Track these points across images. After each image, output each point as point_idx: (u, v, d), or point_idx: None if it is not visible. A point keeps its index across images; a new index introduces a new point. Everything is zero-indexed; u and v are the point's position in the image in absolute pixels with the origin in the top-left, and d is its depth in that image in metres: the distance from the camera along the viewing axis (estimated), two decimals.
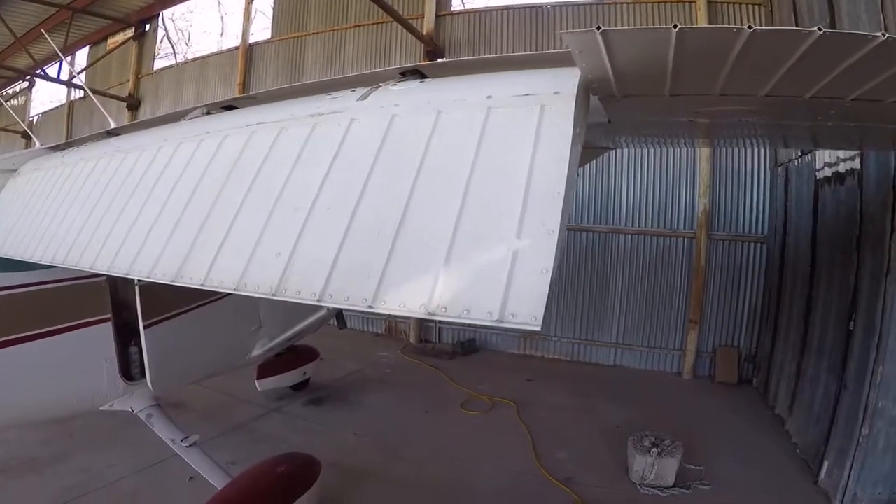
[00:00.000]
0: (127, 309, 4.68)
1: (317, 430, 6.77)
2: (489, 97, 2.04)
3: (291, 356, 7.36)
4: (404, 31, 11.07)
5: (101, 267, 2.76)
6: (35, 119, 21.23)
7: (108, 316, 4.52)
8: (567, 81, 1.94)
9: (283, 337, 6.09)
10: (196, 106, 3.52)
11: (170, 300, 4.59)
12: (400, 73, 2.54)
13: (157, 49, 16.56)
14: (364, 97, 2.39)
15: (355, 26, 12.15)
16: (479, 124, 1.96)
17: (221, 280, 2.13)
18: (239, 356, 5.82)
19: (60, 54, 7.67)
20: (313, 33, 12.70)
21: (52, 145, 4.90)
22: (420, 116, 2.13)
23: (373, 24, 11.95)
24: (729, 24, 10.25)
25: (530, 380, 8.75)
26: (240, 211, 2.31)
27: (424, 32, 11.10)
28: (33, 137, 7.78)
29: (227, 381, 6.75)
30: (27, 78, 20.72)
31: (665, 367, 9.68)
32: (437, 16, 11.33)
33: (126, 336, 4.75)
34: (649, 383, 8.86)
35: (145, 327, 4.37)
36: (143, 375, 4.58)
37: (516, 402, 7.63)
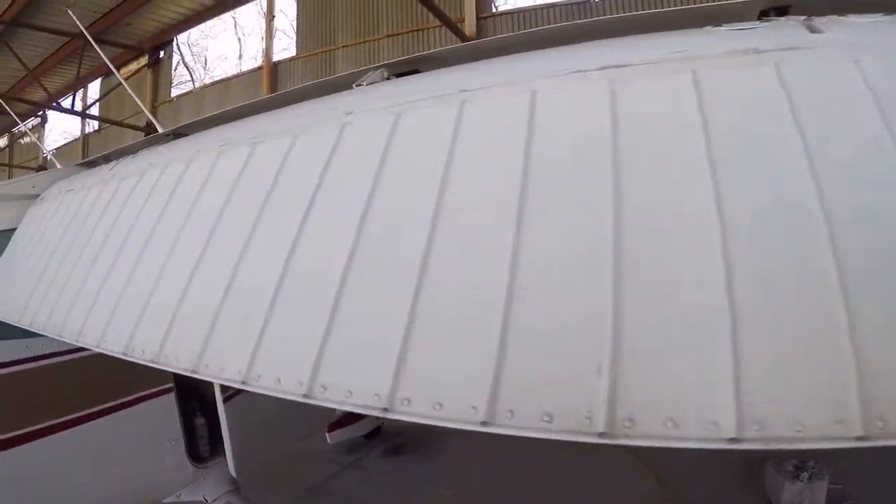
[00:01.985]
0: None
1: (404, 487, 5.83)
2: None
3: None
4: (442, 38, 10.49)
5: (196, 364, 1.65)
6: (48, 156, 20.70)
7: (170, 385, 3.73)
8: None
9: None
10: (367, 68, 2.32)
11: None
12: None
13: (172, 76, 15.92)
14: (774, 32, 1.44)
15: (389, 36, 11.38)
16: None
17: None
18: (322, 413, 5.17)
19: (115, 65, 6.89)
20: (343, 46, 11.94)
21: (87, 160, 3.77)
22: None
23: (408, 32, 11.19)
24: None
25: None
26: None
27: (467, 35, 10.34)
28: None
29: None
30: (39, 113, 20.24)
31: None
32: (479, 18, 10.58)
33: (188, 405, 3.95)
34: None
35: (225, 400, 3.51)
36: (215, 454, 3.85)
37: None
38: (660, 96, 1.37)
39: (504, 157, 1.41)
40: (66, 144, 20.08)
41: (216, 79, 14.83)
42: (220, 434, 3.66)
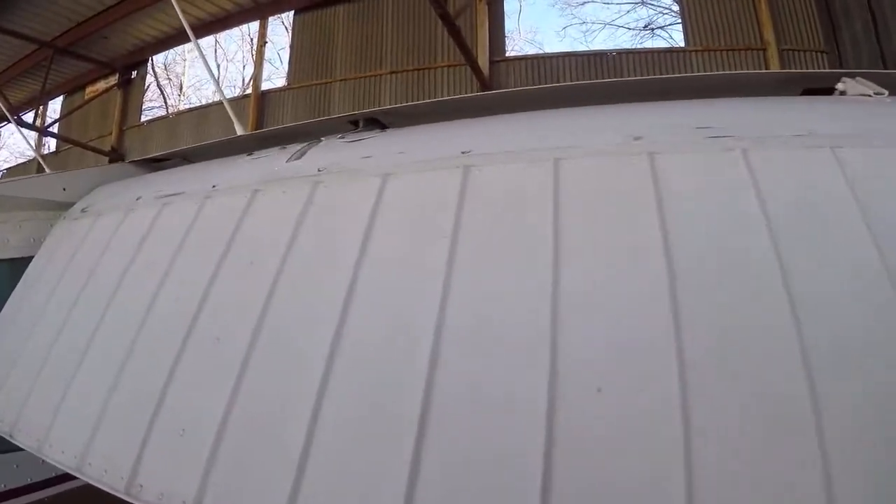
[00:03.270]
0: None
1: None
2: None
3: None
4: (448, 77, 9.94)
5: None
6: None
7: None
8: None
9: None
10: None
11: None
12: None
13: (143, 99, 14.69)
14: None
15: (392, 73, 10.60)
16: None
17: None
18: None
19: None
20: (341, 80, 11.07)
21: (153, 157, 2.70)
22: None
23: (413, 70, 10.43)
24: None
25: None
26: None
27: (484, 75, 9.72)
28: None
29: None
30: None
31: None
32: (492, 62, 9.92)
33: None
34: None
35: None
36: None
37: None
38: None
39: None
40: (17, 166, 18.38)
41: (192, 105, 13.69)
42: None
